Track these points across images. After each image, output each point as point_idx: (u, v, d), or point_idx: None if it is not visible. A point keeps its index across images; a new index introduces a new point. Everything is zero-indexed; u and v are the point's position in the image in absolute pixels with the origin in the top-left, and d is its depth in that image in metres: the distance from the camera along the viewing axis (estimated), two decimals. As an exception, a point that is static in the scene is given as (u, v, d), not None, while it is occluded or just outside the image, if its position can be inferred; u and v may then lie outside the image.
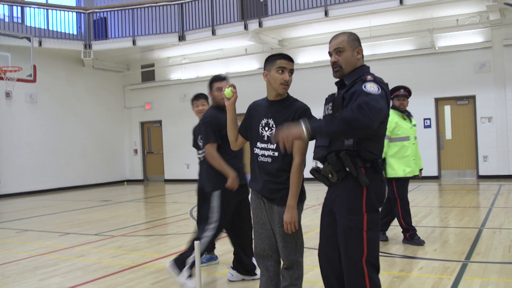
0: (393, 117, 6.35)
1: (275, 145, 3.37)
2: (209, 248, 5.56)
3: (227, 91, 3.47)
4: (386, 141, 6.23)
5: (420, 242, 6.35)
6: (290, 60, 3.42)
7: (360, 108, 2.69)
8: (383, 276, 4.89)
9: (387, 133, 6.16)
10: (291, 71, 3.40)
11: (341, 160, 2.97)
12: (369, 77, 2.98)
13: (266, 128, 3.44)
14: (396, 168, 6.34)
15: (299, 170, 3.33)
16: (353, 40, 3.13)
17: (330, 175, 3.04)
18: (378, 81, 2.98)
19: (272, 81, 3.39)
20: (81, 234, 8.39)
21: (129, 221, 9.79)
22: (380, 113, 2.75)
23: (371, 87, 2.87)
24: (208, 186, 4.89)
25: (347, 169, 2.97)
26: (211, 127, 4.79)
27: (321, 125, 2.75)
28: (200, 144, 5.64)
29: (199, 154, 5.78)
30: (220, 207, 4.72)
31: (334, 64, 3.13)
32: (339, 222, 3.03)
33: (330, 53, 3.18)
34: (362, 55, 3.18)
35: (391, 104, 6.19)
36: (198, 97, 6.29)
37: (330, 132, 2.75)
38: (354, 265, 2.96)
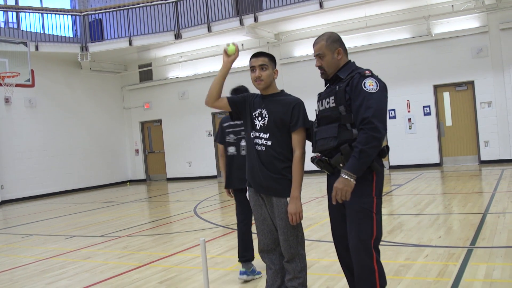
0: None
1: (267, 134, 3.46)
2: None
3: (232, 48, 3.50)
4: None
5: None
6: (258, 56, 3.54)
7: (371, 125, 2.99)
8: (389, 265, 4.91)
9: None
10: (262, 66, 3.49)
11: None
12: (367, 73, 3.17)
13: (260, 118, 3.53)
14: None
15: (301, 161, 3.42)
16: (332, 42, 3.31)
17: (341, 165, 3.16)
18: (375, 76, 3.18)
19: (251, 81, 3.56)
20: (86, 236, 8.42)
21: (133, 221, 9.81)
22: (385, 113, 3.08)
23: (370, 85, 3.09)
24: None
25: None
26: None
27: (356, 165, 2.99)
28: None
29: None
30: None
31: (319, 68, 3.36)
32: (351, 205, 3.17)
33: (315, 57, 3.39)
34: (345, 53, 3.36)
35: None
36: None
37: (365, 165, 3.02)
38: (365, 247, 3.12)
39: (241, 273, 4.94)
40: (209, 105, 3.59)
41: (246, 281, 4.91)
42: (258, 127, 3.52)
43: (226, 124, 5.22)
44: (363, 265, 3.13)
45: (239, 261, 5.03)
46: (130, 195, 15.55)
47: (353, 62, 3.37)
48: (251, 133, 3.55)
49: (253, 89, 3.61)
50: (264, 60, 3.50)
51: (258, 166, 3.48)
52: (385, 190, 10.37)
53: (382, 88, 3.13)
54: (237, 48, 3.53)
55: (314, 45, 3.38)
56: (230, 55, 3.51)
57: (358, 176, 3.01)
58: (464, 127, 14.86)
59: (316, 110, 3.44)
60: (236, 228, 5.37)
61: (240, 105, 3.62)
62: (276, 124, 3.44)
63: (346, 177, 2.99)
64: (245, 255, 5.00)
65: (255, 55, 3.55)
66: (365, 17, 14.99)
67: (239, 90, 5.10)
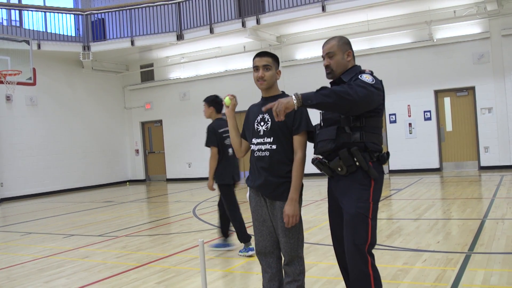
0: None
1: (271, 138, 3.43)
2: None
3: (226, 99, 3.64)
4: None
5: None
6: (263, 55, 3.50)
7: (350, 86, 3.01)
8: (387, 269, 4.91)
9: None
10: (266, 67, 3.47)
11: (353, 155, 3.14)
12: (367, 71, 3.26)
13: (262, 123, 3.49)
14: None
15: (302, 164, 3.40)
16: (343, 44, 3.36)
17: (339, 169, 3.19)
18: (374, 76, 3.22)
19: (254, 80, 3.54)
20: (85, 236, 8.42)
21: (132, 221, 9.81)
22: (367, 96, 3.02)
23: (366, 77, 3.14)
24: None
25: (357, 163, 3.15)
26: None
27: (311, 93, 2.96)
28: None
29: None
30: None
31: (326, 67, 3.37)
32: (347, 209, 3.19)
33: (323, 57, 3.40)
34: (353, 57, 3.40)
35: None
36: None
37: (319, 100, 2.94)
38: (359, 251, 3.12)
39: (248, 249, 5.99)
40: (242, 156, 3.79)
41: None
42: (261, 132, 3.48)
43: (222, 130, 6.07)
44: (358, 270, 3.13)
45: (244, 241, 6.04)
46: (129, 195, 15.55)
47: (359, 66, 3.37)
48: (253, 141, 3.53)
49: (256, 89, 3.59)
50: (268, 61, 3.48)
51: (263, 173, 3.44)
52: (384, 195, 10.37)
53: (378, 83, 3.16)
54: (231, 97, 3.63)
55: (324, 45, 3.39)
56: (228, 106, 3.63)
57: (304, 102, 2.94)
58: (464, 133, 14.87)
59: (320, 112, 3.43)
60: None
61: (247, 129, 3.68)
62: (280, 127, 3.40)
63: (293, 97, 2.93)
64: (249, 235, 6.04)
65: (259, 55, 3.51)
66: (367, 21, 15.00)
67: (215, 102, 6.21)
